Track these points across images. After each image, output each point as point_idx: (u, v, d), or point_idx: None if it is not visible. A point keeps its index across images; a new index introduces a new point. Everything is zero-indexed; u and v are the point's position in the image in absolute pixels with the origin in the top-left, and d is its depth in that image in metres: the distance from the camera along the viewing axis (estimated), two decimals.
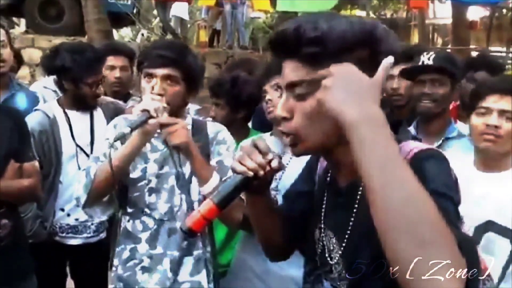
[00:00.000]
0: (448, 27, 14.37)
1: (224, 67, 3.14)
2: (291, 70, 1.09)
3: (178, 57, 1.94)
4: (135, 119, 1.84)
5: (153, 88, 1.91)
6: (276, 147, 1.17)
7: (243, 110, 2.67)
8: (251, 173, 1.14)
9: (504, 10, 13.33)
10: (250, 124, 2.87)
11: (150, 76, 1.94)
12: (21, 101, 2.99)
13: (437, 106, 2.34)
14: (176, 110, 1.98)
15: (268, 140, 1.18)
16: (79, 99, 2.75)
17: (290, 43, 1.06)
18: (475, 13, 14.52)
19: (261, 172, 1.14)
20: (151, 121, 1.83)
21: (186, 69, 1.95)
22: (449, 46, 13.63)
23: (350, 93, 0.95)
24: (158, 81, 1.92)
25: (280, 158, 1.18)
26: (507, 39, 13.97)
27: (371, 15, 16.57)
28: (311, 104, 1.06)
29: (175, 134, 1.87)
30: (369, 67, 1.02)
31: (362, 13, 15.47)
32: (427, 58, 2.34)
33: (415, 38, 16.11)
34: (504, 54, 11.35)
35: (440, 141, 2.34)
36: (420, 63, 2.36)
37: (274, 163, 1.15)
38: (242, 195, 1.26)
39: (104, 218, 2.81)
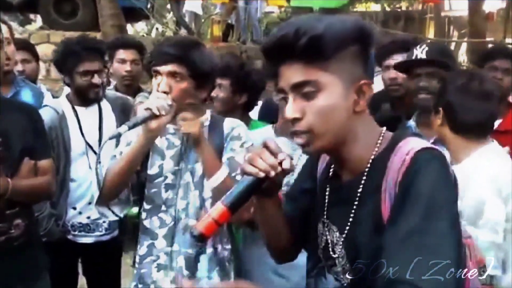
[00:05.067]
0: (464, 19, 14.14)
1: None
2: (294, 72, 1.12)
3: (182, 53, 1.91)
4: (135, 118, 1.85)
5: (159, 85, 1.91)
6: (287, 148, 1.17)
7: (245, 95, 2.66)
8: (262, 174, 1.13)
9: None
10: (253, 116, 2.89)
11: (157, 73, 1.93)
12: (26, 97, 2.99)
13: (434, 98, 2.31)
14: (187, 107, 1.96)
15: (279, 140, 1.17)
16: (79, 92, 2.75)
17: (290, 46, 1.09)
18: (491, 4, 14.28)
19: (273, 173, 1.13)
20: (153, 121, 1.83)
21: (192, 65, 1.92)
22: (466, 39, 13.44)
23: None
24: (164, 78, 1.91)
25: (291, 158, 1.16)
26: None
27: (386, 8, 16.39)
28: (322, 101, 1.10)
29: (188, 123, 1.88)
30: (362, 60, 1.14)
31: (377, 7, 15.31)
32: (420, 52, 2.35)
33: (430, 31, 15.92)
34: None
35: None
36: (413, 57, 2.37)
37: (286, 164, 1.14)
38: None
39: (118, 217, 2.80)
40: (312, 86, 1.11)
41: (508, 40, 11.56)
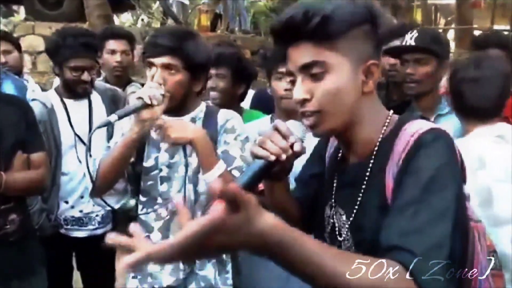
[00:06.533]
0: (451, 7, 14.18)
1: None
2: (302, 53, 1.11)
3: (177, 45, 1.88)
4: (127, 107, 1.82)
5: (153, 77, 1.88)
6: (298, 131, 1.16)
7: (244, 85, 2.64)
8: (273, 157, 1.12)
9: None
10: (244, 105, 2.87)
11: (151, 64, 1.90)
12: (8, 90, 2.94)
13: (419, 86, 2.34)
14: (182, 99, 1.94)
15: (289, 123, 1.18)
16: (67, 85, 2.72)
17: (300, 27, 1.08)
18: None
19: (284, 156, 1.13)
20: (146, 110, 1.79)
21: (187, 57, 1.89)
22: (453, 26, 13.49)
23: None
24: (158, 70, 1.88)
25: (302, 141, 1.16)
26: (511, 17, 13.78)
27: None
28: (330, 82, 1.10)
29: (169, 132, 1.80)
30: (370, 41, 1.13)
31: None
32: (409, 38, 2.35)
33: (417, 18, 15.93)
34: (507, 33, 11.19)
35: (432, 119, 2.34)
36: (403, 43, 2.37)
37: (297, 147, 1.14)
38: None
39: (112, 208, 2.77)
40: (321, 67, 1.10)
41: (495, 27, 11.60)
